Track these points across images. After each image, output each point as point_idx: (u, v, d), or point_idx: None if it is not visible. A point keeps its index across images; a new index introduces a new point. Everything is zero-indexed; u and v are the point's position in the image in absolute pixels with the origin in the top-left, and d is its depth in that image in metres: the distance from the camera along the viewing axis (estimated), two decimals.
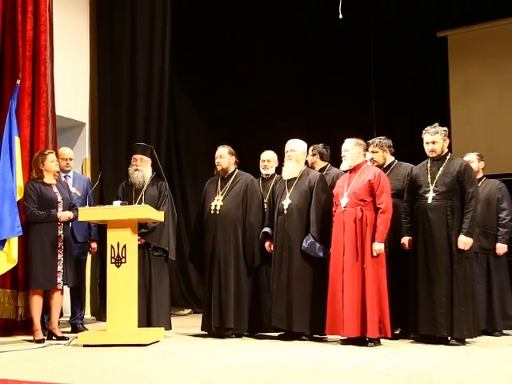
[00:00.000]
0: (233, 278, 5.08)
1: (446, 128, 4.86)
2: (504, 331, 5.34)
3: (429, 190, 4.70)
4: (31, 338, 4.93)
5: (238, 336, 5.07)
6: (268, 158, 5.64)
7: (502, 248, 5.38)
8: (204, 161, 7.94)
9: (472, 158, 5.43)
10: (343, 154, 4.87)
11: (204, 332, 5.20)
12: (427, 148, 4.80)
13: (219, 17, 8.46)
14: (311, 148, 5.57)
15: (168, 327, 5.23)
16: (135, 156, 5.39)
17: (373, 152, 5.21)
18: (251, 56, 8.68)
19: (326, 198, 4.95)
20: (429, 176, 4.75)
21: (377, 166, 5.14)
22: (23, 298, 5.25)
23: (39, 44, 5.66)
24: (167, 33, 7.29)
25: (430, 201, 4.68)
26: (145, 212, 4.78)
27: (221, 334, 5.03)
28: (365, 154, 4.94)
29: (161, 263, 5.26)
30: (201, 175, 7.65)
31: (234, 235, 5.16)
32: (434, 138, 4.76)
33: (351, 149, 4.83)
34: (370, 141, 5.25)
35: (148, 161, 5.41)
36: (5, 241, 4.94)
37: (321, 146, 5.64)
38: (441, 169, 4.74)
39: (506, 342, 4.91)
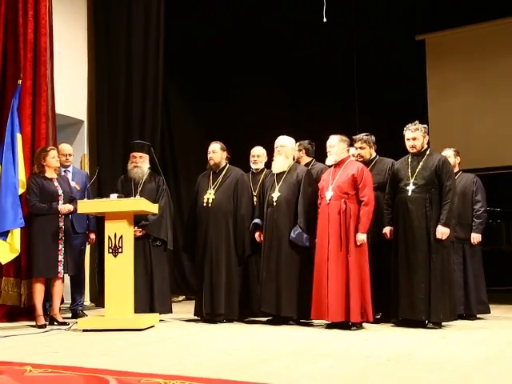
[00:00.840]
0: (224, 267, 5.08)
1: (425, 125, 4.88)
2: (478, 315, 5.39)
3: (409, 183, 4.72)
4: (34, 323, 4.91)
5: (229, 321, 5.08)
6: (258, 153, 5.64)
7: (476, 238, 5.41)
8: (196, 157, 7.92)
9: (449, 154, 5.45)
10: (328, 149, 4.87)
11: (197, 317, 5.20)
12: (408, 144, 4.82)
13: (212, 20, 8.43)
14: (297, 144, 5.55)
15: (169, 311, 5.26)
16: (134, 153, 5.37)
17: (360, 148, 5.21)
18: (243, 59, 8.67)
19: (313, 191, 4.96)
20: (409, 170, 4.77)
21: (362, 160, 5.14)
22: (26, 285, 5.23)
23: (39, 46, 5.61)
24: (161, 34, 7.24)
25: (409, 193, 4.70)
26: (140, 204, 4.76)
27: (212, 320, 5.04)
28: (348, 150, 4.95)
29: (160, 253, 5.26)
30: (194, 170, 7.62)
31: (226, 227, 5.16)
32: (414, 135, 4.78)
33: (336, 145, 4.83)
34: (357, 137, 5.24)
35: (146, 157, 5.39)
36: (8, 232, 4.92)
37: (306, 142, 5.64)
38: (420, 163, 4.76)
39: (479, 325, 4.95)
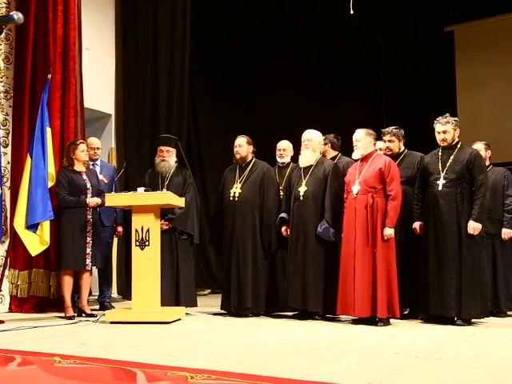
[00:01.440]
0: (251, 261, 5.07)
1: (456, 118, 4.77)
2: (508, 312, 5.28)
3: (439, 178, 4.63)
4: (62, 314, 4.99)
5: (256, 315, 5.06)
6: (284, 147, 5.59)
7: (507, 233, 5.29)
8: (222, 150, 7.92)
9: (479, 147, 5.33)
10: (355, 143, 4.80)
11: (223, 311, 5.20)
12: (438, 137, 4.72)
13: (238, 18, 8.40)
14: (323, 138, 5.50)
15: (194, 305, 5.27)
16: (161, 147, 5.38)
17: (389, 141, 5.13)
18: (268, 54, 8.62)
19: (339, 186, 4.90)
20: (440, 164, 4.67)
21: (391, 154, 5.07)
22: (55, 277, 5.31)
23: (69, 41, 5.67)
24: (187, 29, 7.27)
25: (440, 188, 4.61)
26: (167, 198, 4.78)
27: (239, 313, 5.03)
28: (375, 144, 4.88)
29: (186, 246, 5.27)
30: (219, 164, 7.63)
31: (252, 220, 5.14)
32: (445, 128, 4.68)
33: (362, 138, 4.76)
34: (386, 130, 5.16)
35: (173, 151, 5.40)
36: (38, 224, 4.99)
37: (332, 136, 5.59)
38: (451, 157, 4.66)
39: (509, 322, 4.85)
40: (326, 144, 5.53)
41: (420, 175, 4.83)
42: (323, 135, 5.42)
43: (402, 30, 8.45)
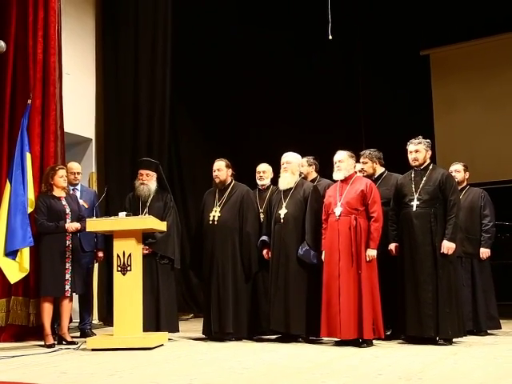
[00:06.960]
0: (231, 285, 5.04)
1: (428, 140, 4.88)
2: (488, 331, 5.33)
3: (413, 199, 4.71)
4: (42, 342, 4.89)
5: (238, 339, 5.03)
6: (263, 169, 5.63)
7: (485, 252, 5.38)
8: (203, 173, 7.91)
9: (458, 168, 5.47)
10: (338, 164, 4.83)
11: (205, 336, 5.16)
12: (410, 157, 4.82)
13: (220, 37, 8.50)
14: (305, 160, 5.57)
15: (176, 330, 5.22)
16: (141, 171, 5.37)
17: (363, 163, 5.23)
18: (249, 76, 8.71)
19: (320, 208, 4.95)
20: (413, 185, 4.76)
21: (366, 175, 5.15)
22: (34, 305, 5.22)
23: (49, 66, 5.66)
24: (168, 52, 7.33)
25: (414, 209, 4.68)
26: (148, 222, 4.77)
27: (220, 338, 5.00)
28: (355, 166, 4.95)
29: (167, 271, 5.24)
30: (201, 187, 7.60)
31: (232, 244, 5.13)
32: (416, 147, 4.79)
33: (345, 160, 4.82)
34: (362, 152, 5.28)
35: (153, 175, 5.39)
36: (17, 251, 4.92)
37: (312, 158, 5.66)
38: (424, 178, 4.75)
39: (490, 341, 4.89)
40: (310, 165, 5.60)
41: (394, 197, 4.90)
42: (302, 157, 5.48)
43: (379, 54, 8.64)
